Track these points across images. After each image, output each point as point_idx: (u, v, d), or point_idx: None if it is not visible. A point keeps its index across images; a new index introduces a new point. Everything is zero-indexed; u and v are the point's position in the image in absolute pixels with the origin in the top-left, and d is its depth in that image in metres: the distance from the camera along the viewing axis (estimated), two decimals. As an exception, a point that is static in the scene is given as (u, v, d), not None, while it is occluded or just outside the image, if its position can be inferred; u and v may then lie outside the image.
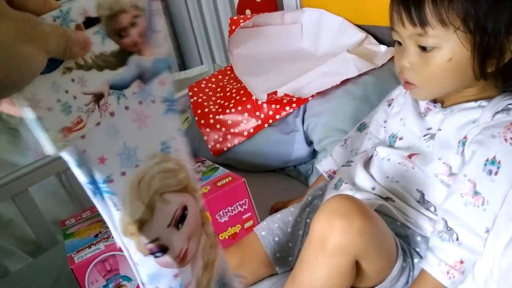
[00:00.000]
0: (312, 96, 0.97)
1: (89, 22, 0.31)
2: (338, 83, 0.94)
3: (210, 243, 0.47)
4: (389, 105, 0.82)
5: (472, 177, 0.58)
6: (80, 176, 0.33)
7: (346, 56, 0.99)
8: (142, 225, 0.37)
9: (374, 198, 0.68)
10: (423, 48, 0.61)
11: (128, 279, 0.67)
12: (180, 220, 0.41)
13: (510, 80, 0.63)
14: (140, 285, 0.42)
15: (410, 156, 0.68)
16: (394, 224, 0.66)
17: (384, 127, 0.80)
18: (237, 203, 0.76)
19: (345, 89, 0.97)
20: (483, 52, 0.59)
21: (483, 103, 0.64)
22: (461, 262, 0.57)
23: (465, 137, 0.63)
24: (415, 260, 0.64)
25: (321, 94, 0.97)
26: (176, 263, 0.41)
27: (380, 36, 1.08)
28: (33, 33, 0.26)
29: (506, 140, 0.58)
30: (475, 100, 0.65)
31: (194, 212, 0.43)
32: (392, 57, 0.99)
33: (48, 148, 0.30)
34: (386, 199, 0.68)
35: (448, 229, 0.58)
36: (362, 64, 0.97)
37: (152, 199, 0.38)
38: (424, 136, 0.69)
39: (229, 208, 0.76)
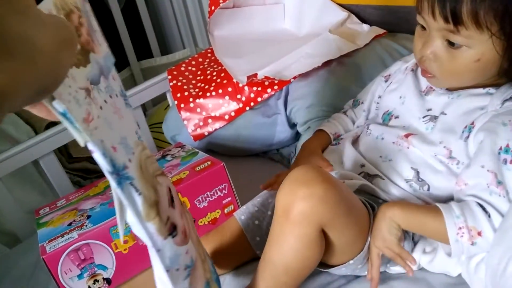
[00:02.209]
0: (294, 78, 0.95)
1: None
2: (320, 64, 0.92)
3: (191, 219, 0.51)
4: (386, 80, 0.80)
5: (491, 168, 0.57)
6: (105, 165, 0.34)
7: (328, 37, 0.97)
8: (157, 207, 0.40)
9: (358, 178, 0.67)
10: (451, 43, 0.59)
11: (104, 267, 0.65)
12: (171, 200, 0.45)
13: None
14: (163, 271, 0.43)
15: (407, 136, 0.67)
16: (376, 202, 0.65)
17: (377, 103, 0.79)
18: (217, 188, 0.74)
19: (328, 70, 0.95)
20: None
21: (491, 90, 0.63)
22: (479, 234, 0.55)
23: (472, 123, 0.62)
24: None
25: (304, 76, 0.95)
26: (184, 239, 0.45)
27: (363, 15, 1.05)
28: (68, 37, 0.26)
29: None
30: (484, 86, 0.63)
31: (174, 191, 0.47)
32: (376, 36, 0.98)
33: (80, 139, 0.32)
34: (375, 176, 0.67)
35: (482, 204, 0.56)
36: (344, 44, 0.95)
37: (153, 182, 0.41)
38: (424, 117, 0.67)
39: (208, 193, 0.74)
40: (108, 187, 0.78)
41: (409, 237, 0.65)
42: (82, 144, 0.32)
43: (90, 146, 0.33)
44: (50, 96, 0.28)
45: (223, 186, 0.75)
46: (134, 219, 0.39)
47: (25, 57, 0.22)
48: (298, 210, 0.54)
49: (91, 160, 1.17)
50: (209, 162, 0.76)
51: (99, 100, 0.36)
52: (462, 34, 0.57)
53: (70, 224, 0.67)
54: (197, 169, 0.75)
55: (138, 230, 0.40)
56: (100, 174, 1.08)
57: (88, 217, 0.68)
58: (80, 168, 1.20)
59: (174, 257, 0.43)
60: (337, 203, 0.54)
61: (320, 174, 0.55)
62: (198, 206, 0.73)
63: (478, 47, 0.58)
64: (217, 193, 0.75)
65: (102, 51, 0.38)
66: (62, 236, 0.64)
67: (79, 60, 0.34)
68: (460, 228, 0.55)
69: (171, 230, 0.43)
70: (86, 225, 0.65)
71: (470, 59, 0.59)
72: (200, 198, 0.73)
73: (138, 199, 0.38)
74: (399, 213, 0.59)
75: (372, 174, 0.68)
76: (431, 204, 0.62)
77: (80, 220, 0.68)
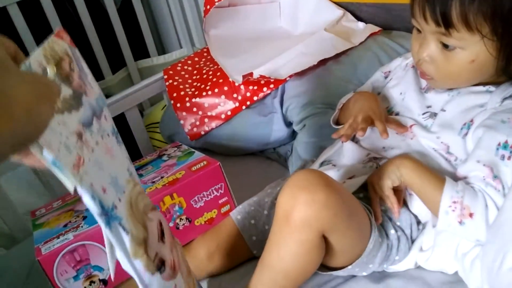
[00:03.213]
0: (290, 76, 0.95)
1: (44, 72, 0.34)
2: (315, 63, 0.92)
3: (182, 251, 0.53)
4: (386, 77, 0.80)
5: (487, 162, 0.57)
6: (95, 208, 0.35)
7: (324, 35, 0.97)
8: (145, 244, 0.41)
9: (362, 173, 0.67)
10: (445, 46, 0.60)
11: (100, 269, 0.64)
12: (161, 234, 0.46)
13: None
14: None
15: (410, 126, 0.68)
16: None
17: None
18: (213, 188, 0.74)
19: (324, 68, 0.95)
20: (509, 53, 0.58)
21: (491, 88, 0.63)
22: (470, 215, 0.55)
23: (471, 120, 0.62)
24: (391, 231, 0.63)
25: (300, 74, 0.95)
26: (172, 274, 0.46)
27: (358, 12, 1.05)
28: (46, 91, 0.28)
29: None
30: (484, 84, 0.64)
31: (166, 225, 0.48)
32: (371, 34, 0.98)
33: (70, 186, 0.32)
34: (381, 158, 0.67)
35: (483, 194, 0.57)
36: (339, 43, 0.95)
37: (143, 219, 0.43)
38: (424, 114, 0.68)
39: (205, 193, 0.74)
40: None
41: (407, 236, 0.65)
42: (71, 190, 0.33)
43: (79, 191, 0.34)
44: (39, 146, 0.30)
45: (219, 186, 0.75)
46: (122, 257, 0.40)
47: (2, 109, 0.24)
48: (299, 215, 0.53)
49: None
50: (205, 162, 0.75)
51: (91, 143, 0.37)
52: (454, 36, 0.58)
53: (66, 225, 0.67)
54: (193, 168, 0.74)
55: (126, 266, 0.41)
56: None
57: (84, 218, 0.68)
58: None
59: None
60: (338, 209, 0.54)
61: (322, 178, 0.54)
62: (194, 206, 0.73)
63: (471, 48, 0.58)
64: (213, 193, 0.74)
65: (94, 93, 0.40)
66: (58, 237, 0.64)
67: (71, 104, 0.36)
68: (454, 202, 0.56)
69: (159, 265, 0.43)
70: (82, 226, 0.65)
71: (465, 61, 0.59)
72: (196, 198, 0.73)
73: (126, 238, 0.39)
74: (407, 165, 0.60)
75: (378, 157, 0.68)
76: None
77: (76, 221, 0.67)
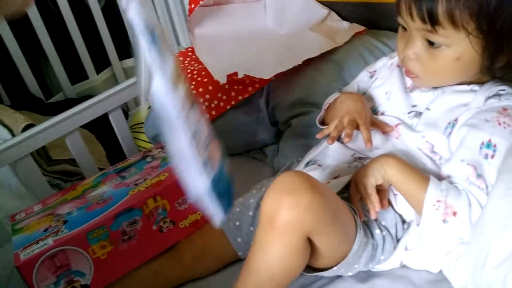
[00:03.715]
0: (275, 76, 0.94)
1: None
2: (300, 62, 0.92)
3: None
4: (372, 76, 0.80)
5: (471, 161, 0.58)
6: (139, 22, 0.34)
7: (308, 35, 0.97)
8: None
9: (346, 172, 0.66)
10: (431, 43, 0.60)
11: (81, 274, 0.63)
12: None
13: None
14: (187, 143, 0.42)
15: (396, 125, 0.68)
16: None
17: None
18: (197, 189, 0.73)
19: (309, 68, 0.94)
20: (494, 51, 0.58)
21: (475, 87, 0.64)
22: (454, 214, 0.56)
23: (455, 119, 0.63)
24: (376, 231, 0.63)
25: (285, 74, 0.94)
26: (201, 112, 0.45)
27: (343, 12, 1.05)
28: None
29: (499, 124, 0.59)
30: (468, 83, 0.64)
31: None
32: (356, 33, 0.98)
33: None
34: (366, 158, 0.67)
35: (467, 193, 0.57)
36: (324, 42, 0.94)
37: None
38: (409, 113, 0.68)
39: (189, 194, 0.72)
40: (86, 190, 0.77)
41: (392, 236, 0.64)
42: None
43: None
44: None
45: (203, 187, 0.74)
46: (163, 85, 0.37)
47: None
48: (283, 219, 0.52)
49: (71, 162, 1.15)
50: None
51: None
52: (440, 33, 0.58)
53: (46, 230, 0.65)
54: (176, 170, 0.73)
55: (164, 97, 0.38)
56: (81, 177, 1.07)
57: (65, 222, 0.66)
58: (60, 170, 1.17)
59: (196, 128, 0.43)
60: (323, 212, 0.53)
61: (306, 181, 0.53)
62: (179, 208, 0.71)
63: (457, 46, 0.58)
64: (197, 195, 0.73)
65: None
66: (37, 242, 0.62)
67: None
68: (438, 201, 0.56)
69: (192, 102, 0.42)
70: (62, 231, 0.63)
71: (450, 58, 0.60)
72: (180, 200, 0.72)
73: (170, 60, 0.37)
74: (391, 163, 0.60)
75: (363, 157, 0.68)
76: None
77: (57, 225, 0.66)
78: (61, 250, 0.61)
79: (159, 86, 0.37)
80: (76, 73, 1.54)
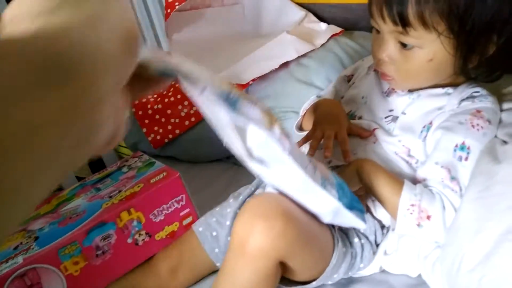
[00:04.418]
0: (253, 80, 0.93)
1: None
2: (277, 66, 0.91)
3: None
4: (349, 80, 0.80)
5: (445, 164, 0.58)
6: (217, 94, 0.35)
7: (286, 38, 0.96)
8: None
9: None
10: (403, 45, 0.59)
11: (53, 292, 0.62)
12: None
13: (496, 71, 0.62)
14: (302, 173, 0.44)
15: (373, 130, 0.68)
16: None
17: (340, 102, 0.78)
18: (173, 200, 0.72)
19: (287, 71, 0.94)
20: (466, 52, 0.58)
21: (450, 90, 0.64)
22: (428, 218, 0.55)
23: (430, 123, 0.63)
24: (355, 240, 0.62)
25: (262, 78, 0.93)
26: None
27: (321, 13, 1.04)
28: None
29: (473, 126, 0.59)
30: (442, 86, 0.64)
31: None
32: (332, 35, 0.97)
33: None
34: (342, 165, 0.66)
35: (441, 196, 0.57)
36: (301, 45, 0.94)
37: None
38: (386, 118, 0.68)
39: (165, 206, 0.71)
40: (60, 204, 0.75)
41: (371, 243, 0.64)
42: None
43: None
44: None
45: (180, 198, 0.73)
46: (260, 133, 0.38)
47: None
48: (255, 244, 0.51)
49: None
50: (164, 173, 0.73)
51: None
52: (412, 35, 0.57)
53: (16, 248, 0.64)
54: (152, 181, 0.72)
55: (265, 146, 0.39)
56: (59, 187, 1.05)
57: (36, 238, 0.64)
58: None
59: (301, 158, 0.44)
60: (297, 237, 0.52)
61: (279, 206, 0.52)
62: (154, 220, 0.70)
63: (428, 46, 0.58)
64: (174, 205, 0.72)
65: None
66: (7, 261, 0.60)
67: None
68: (412, 205, 0.56)
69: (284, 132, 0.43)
70: (33, 248, 0.62)
71: (423, 59, 0.59)
72: (155, 211, 0.70)
73: (256, 109, 0.38)
74: (365, 168, 0.60)
75: (340, 165, 0.67)
76: None
77: (27, 242, 0.64)
78: (32, 268, 0.59)
79: (255, 137, 0.39)
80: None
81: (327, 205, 0.51)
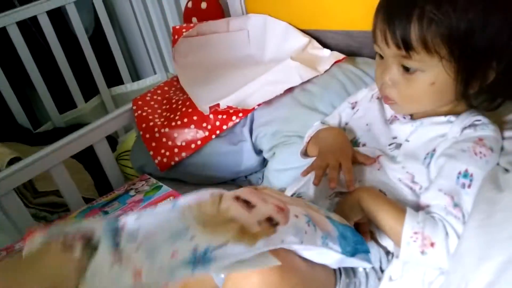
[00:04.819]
0: (259, 105, 0.95)
1: None
2: (282, 92, 0.93)
3: (271, 189, 0.56)
4: (353, 107, 0.81)
5: (448, 191, 0.58)
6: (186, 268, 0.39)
7: (290, 64, 0.98)
8: (243, 233, 0.43)
9: (327, 208, 0.66)
10: (406, 69, 0.61)
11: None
12: (246, 204, 0.46)
13: (496, 99, 0.63)
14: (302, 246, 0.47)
15: (378, 157, 0.68)
16: None
17: (344, 129, 0.79)
18: (180, 224, 0.73)
19: (291, 96, 0.96)
20: (466, 77, 0.59)
21: (452, 118, 0.65)
22: (432, 245, 0.55)
23: (434, 150, 0.64)
24: (359, 269, 0.63)
25: (267, 103, 0.95)
26: (284, 216, 0.47)
27: (324, 39, 1.07)
28: None
29: (476, 154, 0.60)
30: (445, 114, 0.66)
31: (243, 191, 0.48)
32: (336, 62, 0.99)
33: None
34: (347, 193, 0.67)
35: (443, 222, 0.57)
36: (305, 71, 0.96)
37: (224, 222, 0.44)
38: (390, 145, 0.69)
39: (171, 229, 0.72)
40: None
41: (376, 270, 0.64)
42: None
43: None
44: None
45: (186, 221, 0.74)
46: (241, 264, 0.41)
47: None
48: None
49: (58, 193, 1.14)
50: (171, 198, 0.74)
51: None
52: (414, 58, 0.59)
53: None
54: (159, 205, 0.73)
55: (254, 261, 0.42)
56: (67, 208, 1.06)
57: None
58: (46, 202, 1.16)
59: (295, 231, 0.45)
60: (294, 286, 0.50)
61: (276, 255, 0.49)
62: (161, 243, 0.71)
63: (431, 70, 0.60)
64: (180, 229, 0.73)
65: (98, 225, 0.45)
66: None
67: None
68: (415, 232, 0.56)
69: (271, 222, 0.44)
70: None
71: (425, 83, 0.61)
72: (162, 235, 0.71)
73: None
74: (366, 197, 0.60)
75: (344, 192, 0.68)
76: None
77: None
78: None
79: (240, 266, 0.41)
80: (64, 102, 1.55)
81: (331, 258, 0.52)
